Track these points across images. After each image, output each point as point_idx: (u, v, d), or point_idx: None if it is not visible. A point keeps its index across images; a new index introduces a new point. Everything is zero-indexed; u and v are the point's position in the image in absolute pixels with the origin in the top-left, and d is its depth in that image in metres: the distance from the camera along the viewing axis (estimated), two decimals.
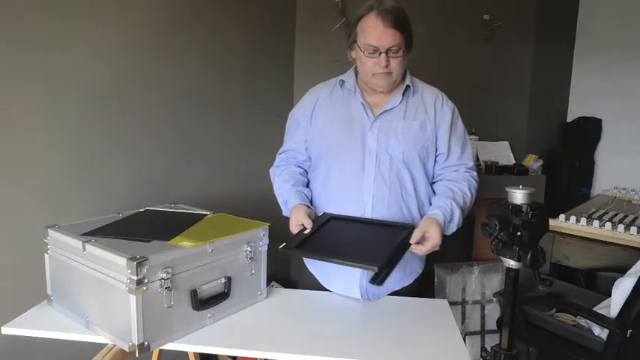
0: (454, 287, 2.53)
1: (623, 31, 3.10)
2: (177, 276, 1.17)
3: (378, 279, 1.17)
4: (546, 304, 2.06)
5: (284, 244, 1.32)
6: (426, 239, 1.34)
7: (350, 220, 1.44)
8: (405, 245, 1.31)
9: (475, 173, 1.56)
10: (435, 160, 1.54)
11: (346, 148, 1.48)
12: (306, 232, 1.37)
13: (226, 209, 1.58)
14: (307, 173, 1.62)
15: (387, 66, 1.40)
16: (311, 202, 1.56)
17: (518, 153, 2.95)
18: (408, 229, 1.37)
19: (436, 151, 1.52)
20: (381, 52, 1.39)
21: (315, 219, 1.43)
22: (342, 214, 1.46)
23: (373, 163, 1.46)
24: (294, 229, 1.40)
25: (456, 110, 1.56)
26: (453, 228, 1.44)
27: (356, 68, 1.53)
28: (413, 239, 1.32)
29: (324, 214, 1.47)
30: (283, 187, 1.54)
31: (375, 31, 1.37)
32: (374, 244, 1.30)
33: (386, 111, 1.48)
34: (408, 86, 1.50)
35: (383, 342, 1.22)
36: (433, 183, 1.56)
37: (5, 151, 1.59)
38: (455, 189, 1.48)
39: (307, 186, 1.59)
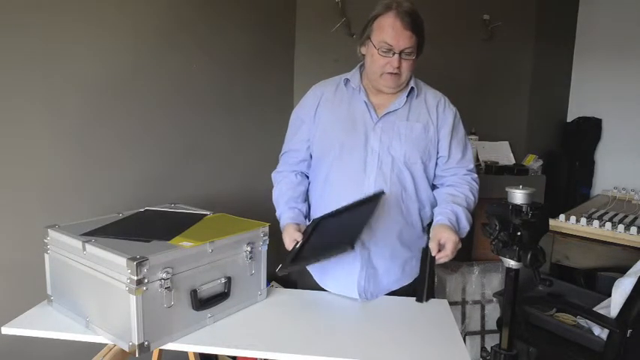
0: (454, 287, 2.53)
1: (623, 31, 3.10)
2: (177, 276, 1.17)
3: (421, 298, 1.23)
4: (546, 304, 2.06)
5: (280, 265, 1.33)
6: (444, 244, 1.34)
7: (331, 216, 1.44)
8: (431, 261, 1.31)
9: (475, 175, 1.57)
10: (436, 163, 1.54)
11: (349, 148, 1.48)
12: (297, 245, 1.38)
13: (226, 209, 1.58)
14: (307, 176, 1.62)
15: (398, 67, 1.40)
16: (309, 205, 1.58)
17: (518, 153, 2.95)
18: (378, 196, 1.35)
19: (437, 153, 1.53)
20: (394, 53, 1.39)
21: (305, 229, 1.45)
22: (326, 212, 1.46)
23: (375, 164, 1.46)
24: (289, 245, 1.41)
25: (458, 114, 1.56)
26: (464, 227, 1.45)
27: (361, 67, 1.54)
28: (433, 252, 1.33)
29: (313, 220, 1.49)
30: (279, 201, 1.56)
31: (392, 31, 1.38)
32: (349, 228, 1.29)
33: (389, 112, 1.49)
34: (412, 88, 1.50)
35: (383, 342, 1.22)
36: (434, 186, 1.57)
37: (5, 151, 1.59)
38: (456, 193, 1.49)
39: (305, 194, 1.60)
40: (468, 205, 1.49)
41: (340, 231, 1.34)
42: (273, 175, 1.65)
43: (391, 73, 1.42)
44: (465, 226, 1.45)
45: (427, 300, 1.23)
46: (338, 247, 1.20)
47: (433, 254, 1.32)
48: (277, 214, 1.56)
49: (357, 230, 1.23)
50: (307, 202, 1.60)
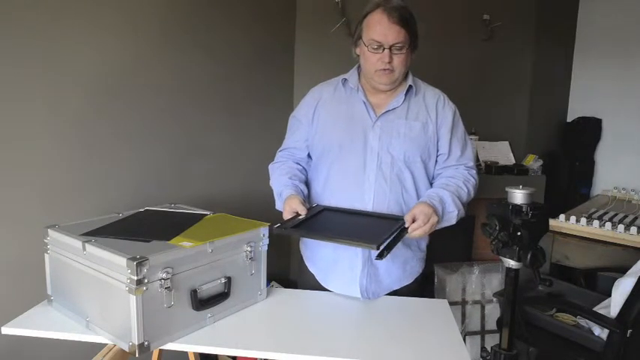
0: (454, 287, 2.53)
1: (623, 30, 3.10)
2: (177, 276, 1.17)
3: (382, 256, 1.22)
4: (546, 304, 2.06)
5: (279, 224, 1.33)
6: (417, 217, 1.33)
7: (343, 212, 1.45)
8: (402, 232, 1.32)
9: (474, 172, 1.57)
10: (436, 160, 1.54)
11: (348, 147, 1.48)
12: (300, 217, 1.38)
13: (226, 209, 1.58)
14: (306, 171, 1.62)
15: (389, 62, 1.40)
16: (308, 200, 1.56)
17: (518, 153, 2.95)
18: (401, 220, 1.37)
19: (437, 151, 1.53)
20: (384, 48, 1.39)
21: (309, 209, 1.44)
22: (336, 205, 1.47)
23: (375, 163, 1.46)
24: (287, 215, 1.40)
25: (457, 111, 1.56)
26: (452, 211, 1.42)
27: (359, 67, 1.54)
28: (407, 223, 1.32)
29: (317, 205, 1.49)
30: (279, 179, 1.54)
31: (379, 27, 1.39)
32: (370, 229, 1.31)
33: (388, 111, 1.49)
34: (410, 86, 1.50)
35: (383, 342, 1.22)
36: (433, 182, 1.57)
37: (5, 150, 1.59)
38: (448, 182, 1.49)
39: (304, 182, 1.59)
40: (460, 195, 1.46)
41: (356, 228, 1.35)
42: (270, 166, 1.64)
43: (384, 70, 1.42)
44: (452, 210, 1.42)
45: (384, 257, 1.24)
46: (359, 240, 1.24)
47: (406, 225, 1.32)
48: (277, 191, 1.53)
49: (381, 235, 1.25)
50: (307, 190, 1.59)
